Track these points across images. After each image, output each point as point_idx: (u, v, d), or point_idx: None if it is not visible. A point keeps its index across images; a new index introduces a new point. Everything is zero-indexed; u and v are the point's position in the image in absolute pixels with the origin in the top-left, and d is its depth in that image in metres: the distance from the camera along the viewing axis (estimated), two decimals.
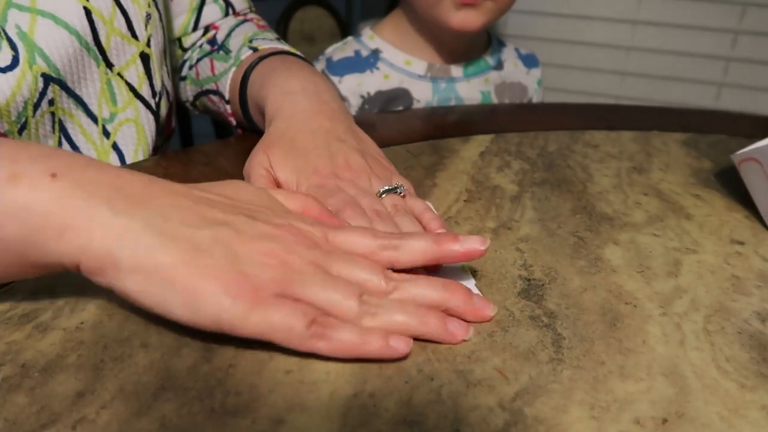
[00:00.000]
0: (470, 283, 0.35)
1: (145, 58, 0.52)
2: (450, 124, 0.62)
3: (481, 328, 0.31)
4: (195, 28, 0.63)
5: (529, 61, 0.91)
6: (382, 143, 0.54)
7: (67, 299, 0.31)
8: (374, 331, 0.28)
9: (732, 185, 0.50)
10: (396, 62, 0.81)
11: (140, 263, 0.27)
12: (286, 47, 0.57)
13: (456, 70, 0.83)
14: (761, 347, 0.32)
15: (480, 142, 0.56)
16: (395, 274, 0.32)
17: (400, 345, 0.28)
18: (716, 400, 0.28)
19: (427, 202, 0.41)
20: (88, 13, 0.47)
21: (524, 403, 0.27)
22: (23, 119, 0.45)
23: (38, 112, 0.46)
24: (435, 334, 0.30)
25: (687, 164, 0.55)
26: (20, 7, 0.44)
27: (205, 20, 0.63)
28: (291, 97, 0.46)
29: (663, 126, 0.64)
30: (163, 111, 0.56)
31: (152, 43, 0.53)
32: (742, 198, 0.47)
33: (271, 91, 0.48)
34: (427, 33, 0.80)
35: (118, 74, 0.51)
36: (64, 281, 0.32)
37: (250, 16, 0.66)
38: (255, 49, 0.57)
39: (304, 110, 0.45)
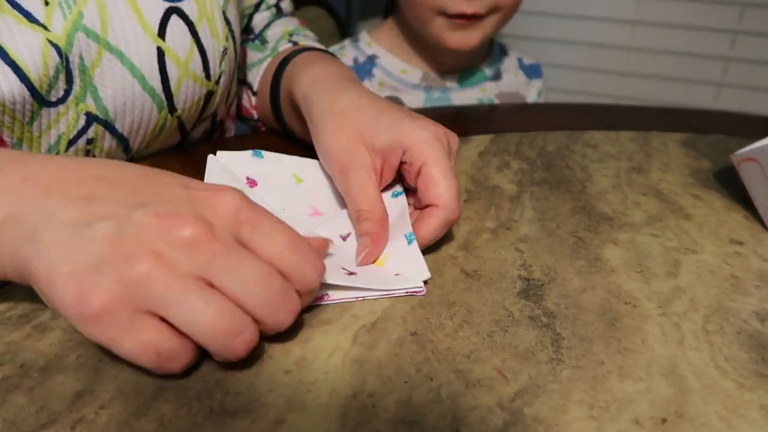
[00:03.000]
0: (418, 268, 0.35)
1: (209, 95, 0.48)
2: (449, 124, 0.62)
3: (480, 328, 0.31)
4: (243, 32, 0.61)
5: (532, 71, 0.90)
6: None
7: None
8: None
9: (731, 185, 0.50)
10: (392, 70, 0.81)
11: (24, 273, 0.26)
12: (323, 47, 0.57)
13: (451, 80, 0.82)
14: (760, 347, 0.32)
15: (479, 142, 0.56)
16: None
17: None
18: (715, 399, 0.28)
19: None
20: (161, 54, 0.43)
21: (523, 403, 0.27)
22: (54, 152, 0.42)
23: (72, 148, 0.43)
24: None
25: (686, 164, 0.55)
26: (88, 32, 0.40)
27: (255, 26, 0.61)
28: (331, 81, 0.43)
29: (662, 126, 0.64)
30: (197, 132, 0.54)
31: (222, 80, 0.49)
32: (741, 198, 0.47)
33: (304, 80, 0.45)
34: (424, 42, 0.80)
35: (178, 117, 0.47)
36: None
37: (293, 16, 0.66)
38: (295, 43, 0.56)
39: (355, 91, 0.41)
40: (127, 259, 0.25)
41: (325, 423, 0.25)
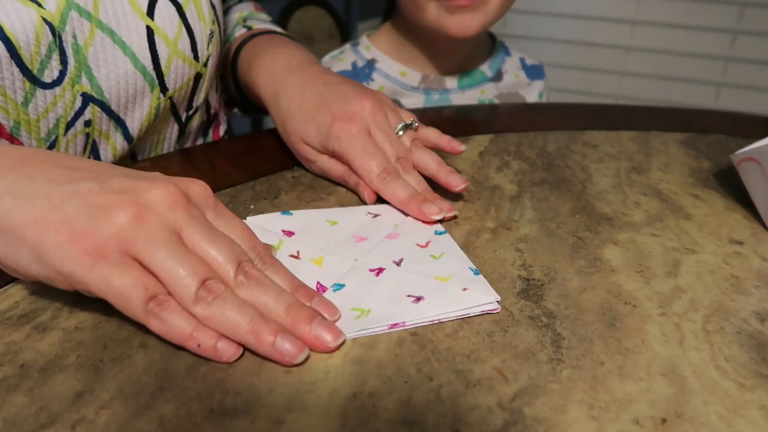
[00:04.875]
0: (466, 265, 0.36)
1: (197, 77, 0.50)
2: (449, 124, 0.62)
3: (480, 328, 0.31)
4: None
5: (534, 72, 0.89)
6: None
7: (66, 299, 0.31)
8: (207, 328, 0.28)
9: (731, 185, 0.50)
10: (391, 73, 0.81)
11: (1, 225, 0.28)
12: (278, 29, 0.59)
13: (450, 82, 0.82)
14: (760, 347, 0.32)
15: (479, 142, 0.56)
16: (252, 270, 0.30)
17: (226, 351, 0.27)
18: (715, 399, 0.28)
19: (436, 129, 0.47)
20: (150, 33, 0.44)
21: (523, 403, 0.27)
22: (53, 137, 0.43)
23: (71, 131, 0.44)
24: (261, 348, 0.28)
25: (686, 164, 0.55)
26: (80, 11, 0.41)
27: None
28: (281, 77, 0.49)
29: (662, 126, 0.64)
30: (194, 124, 0.55)
31: (210, 62, 0.51)
32: (741, 198, 0.47)
33: (261, 73, 0.51)
34: (423, 43, 0.79)
35: (169, 98, 0.49)
36: None
37: None
38: (249, 28, 0.58)
39: (298, 83, 0.47)
40: (115, 206, 0.28)
41: (325, 423, 0.25)
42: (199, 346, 0.27)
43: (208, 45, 0.49)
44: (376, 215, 0.42)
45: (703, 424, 0.26)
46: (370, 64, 0.81)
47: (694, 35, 1.41)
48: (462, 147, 0.46)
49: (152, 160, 0.51)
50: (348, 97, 0.44)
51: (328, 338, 0.28)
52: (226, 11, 0.63)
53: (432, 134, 0.47)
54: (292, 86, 0.47)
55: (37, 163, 0.30)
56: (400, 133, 0.45)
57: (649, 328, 0.32)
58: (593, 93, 1.52)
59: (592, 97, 1.52)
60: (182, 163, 0.49)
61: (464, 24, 0.71)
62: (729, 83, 1.43)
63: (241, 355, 0.28)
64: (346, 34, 1.22)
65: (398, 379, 0.28)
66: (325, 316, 0.30)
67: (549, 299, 0.34)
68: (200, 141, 0.58)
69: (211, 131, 0.60)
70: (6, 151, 0.30)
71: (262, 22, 0.60)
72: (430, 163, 0.44)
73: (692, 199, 0.48)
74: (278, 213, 0.41)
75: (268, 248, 0.33)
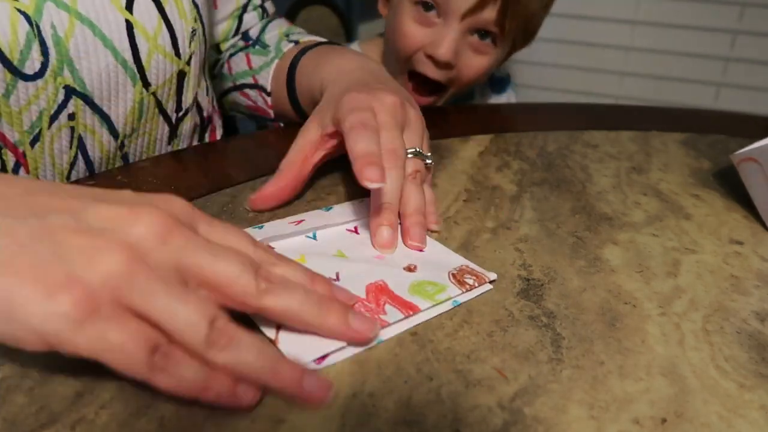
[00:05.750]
0: (457, 260, 0.36)
1: (181, 75, 0.50)
2: (449, 124, 0.62)
3: (480, 328, 0.31)
4: (236, 34, 0.64)
5: (498, 86, 0.90)
6: None
7: None
8: (221, 374, 0.24)
9: (731, 185, 0.50)
10: None
11: None
12: (322, 39, 0.59)
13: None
14: (760, 347, 0.32)
15: (479, 142, 0.56)
16: (269, 273, 0.27)
17: (247, 395, 0.25)
18: (715, 399, 0.28)
19: (433, 195, 0.43)
20: (129, 27, 0.44)
21: (523, 403, 0.27)
22: (37, 130, 0.43)
23: (55, 124, 0.44)
24: (288, 389, 0.25)
25: (686, 164, 0.55)
26: (57, 2, 0.41)
27: (245, 26, 0.64)
28: (347, 74, 0.47)
29: (662, 126, 0.64)
30: (186, 127, 0.55)
31: (193, 61, 0.51)
32: (741, 198, 0.47)
33: (328, 70, 0.49)
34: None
35: (153, 94, 0.48)
36: None
37: (278, 16, 0.68)
38: (296, 42, 0.59)
39: (358, 79, 0.45)
40: (101, 250, 0.23)
41: (325, 423, 0.25)
42: (214, 394, 0.24)
43: (190, 42, 0.49)
44: (355, 231, 0.39)
45: (703, 424, 0.26)
46: None
47: (694, 35, 1.41)
48: (434, 226, 0.40)
49: (152, 160, 0.51)
50: (388, 93, 0.41)
51: (364, 328, 0.28)
52: (262, 29, 0.63)
53: (428, 194, 0.41)
54: (352, 77, 0.46)
55: None
56: (409, 155, 0.40)
57: (649, 328, 0.32)
58: (593, 93, 1.52)
59: (592, 98, 1.52)
60: (182, 162, 0.49)
61: (425, 101, 0.75)
62: (729, 83, 1.43)
63: (260, 400, 0.26)
64: (350, 32, 1.23)
65: (398, 379, 0.28)
66: (345, 301, 0.30)
67: (549, 299, 0.34)
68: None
69: (207, 136, 0.60)
70: None
71: (305, 35, 0.61)
72: (413, 202, 0.38)
73: (692, 199, 0.48)
74: (250, 228, 0.38)
75: (264, 245, 0.31)
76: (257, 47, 0.61)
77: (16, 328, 0.22)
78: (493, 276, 0.35)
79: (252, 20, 0.64)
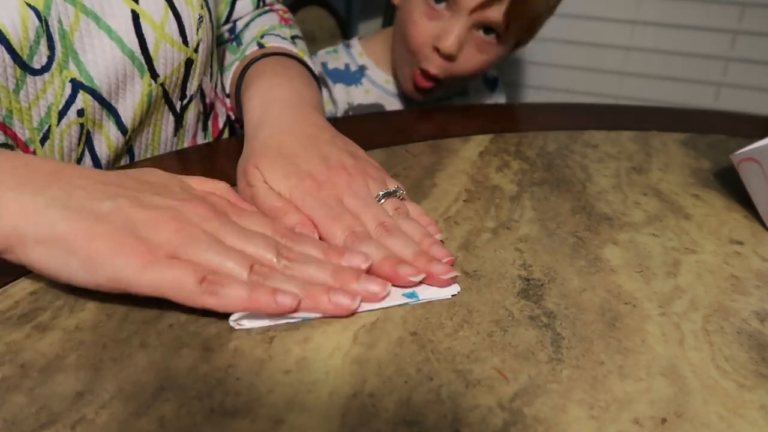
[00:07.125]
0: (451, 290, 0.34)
1: (189, 63, 0.49)
2: (449, 124, 0.62)
3: (480, 328, 0.31)
4: (227, 21, 0.62)
5: (493, 84, 0.93)
6: (382, 143, 0.54)
7: (66, 299, 0.31)
8: (262, 287, 0.30)
9: (731, 185, 0.50)
10: (377, 80, 0.85)
11: (44, 236, 0.29)
12: (292, 48, 0.56)
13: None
14: (760, 347, 0.32)
15: (479, 142, 0.56)
16: (289, 253, 0.33)
17: (286, 300, 0.30)
18: (715, 399, 0.28)
19: (420, 207, 0.41)
20: (135, 17, 0.44)
21: (523, 403, 0.27)
22: (46, 126, 0.42)
23: (64, 121, 0.43)
24: (320, 308, 0.31)
25: (686, 164, 0.55)
26: None
27: (237, 14, 0.62)
28: (273, 107, 0.44)
29: (662, 126, 0.64)
30: (191, 115, 0.54)
31: (200, 48, 0.50)
32: (741, 198, 0.47)
33: (254, 97, 0.46)
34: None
35: (161, 85, 0.48)
36: None
37: (277, 6, 0.65)
38: (262, 46, 0.56)
39: (288, 119, 0.43)
40: (158, 220, 0.30)
41: (325, 423, 0.25)
42: (259, 303, 0.29)
43: (198, 29, 0.49)
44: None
45: (703, 424, 0.26)
46: (361, 70, 0.86)
47: (694, 35, 1.41)
48: (439, 235, 0.39)
49: (153, 160, 0.51)
50: (329, 162, 0.39)
51: (377, 289, 0.32)
52: (246, 24, 0.61)
53: (415, 210, 0.40)
54: (280, 121, 0.43)
55: (71, 177, 0.31)
56: (382, 201, 0.39)
57: (649, 328, 0.32)
58: (593, 93, 1.52)
59: (592, 97, 1.52)
60: (182, 162, 0.49)
61: (418, 97, 0.78)
62: (729, 83, 1.43)
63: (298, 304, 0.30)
64: (347, 34, 1.22)
65: (398, 379, 0.28)
66: (362, 266, 0.33)
67: (549, 299, 0.34)
68: (200, 135, 0.58)
69: (210, 124, 0.59)
70: (36, 165, 0.32)
71: (279, 39, 0.57)
72: (413, 233, 0.37)
73: (692, 199, 0.48)
74: None
75: (284, 225, 0.36)
76: (233, 44, 0.59)
77: (97, 278, 0.29)
78: (454, 290, 0.34)
79: (245, 8, 0.62)
